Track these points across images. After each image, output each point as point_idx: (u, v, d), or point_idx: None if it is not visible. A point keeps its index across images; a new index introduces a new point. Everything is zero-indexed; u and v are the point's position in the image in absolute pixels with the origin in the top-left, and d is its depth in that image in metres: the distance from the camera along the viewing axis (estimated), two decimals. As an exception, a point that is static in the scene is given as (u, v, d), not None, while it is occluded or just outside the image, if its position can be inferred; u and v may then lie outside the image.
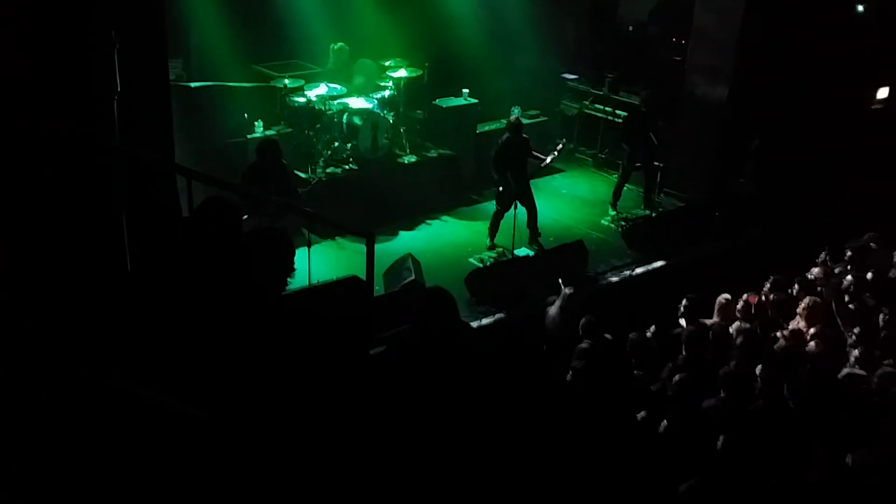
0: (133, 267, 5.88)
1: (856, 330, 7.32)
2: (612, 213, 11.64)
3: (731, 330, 7.67)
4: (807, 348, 7.18)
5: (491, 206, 11.35)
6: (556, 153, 10.64)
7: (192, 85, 10.47)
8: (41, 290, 5.06)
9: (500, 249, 10.40)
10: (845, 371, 6.89)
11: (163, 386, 4.36)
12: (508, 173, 10.23)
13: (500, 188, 10.36)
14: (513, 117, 10.89)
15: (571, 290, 8.74)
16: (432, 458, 5.02)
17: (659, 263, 10.38)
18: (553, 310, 8.80)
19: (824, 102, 11.57)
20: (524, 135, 10.54)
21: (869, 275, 8.42)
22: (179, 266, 4.94)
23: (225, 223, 4.99)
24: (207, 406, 4.42)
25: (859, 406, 6.33)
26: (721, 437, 6.10)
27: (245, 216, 7.72)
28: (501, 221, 10.41)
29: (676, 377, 6.58)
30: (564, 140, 11.16)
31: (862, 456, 5.67)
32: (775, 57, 11.29)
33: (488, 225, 10.56)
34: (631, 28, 14.08)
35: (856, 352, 6.99)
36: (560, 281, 8.99)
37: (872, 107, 12.52)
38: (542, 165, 10.68)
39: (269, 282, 4.98)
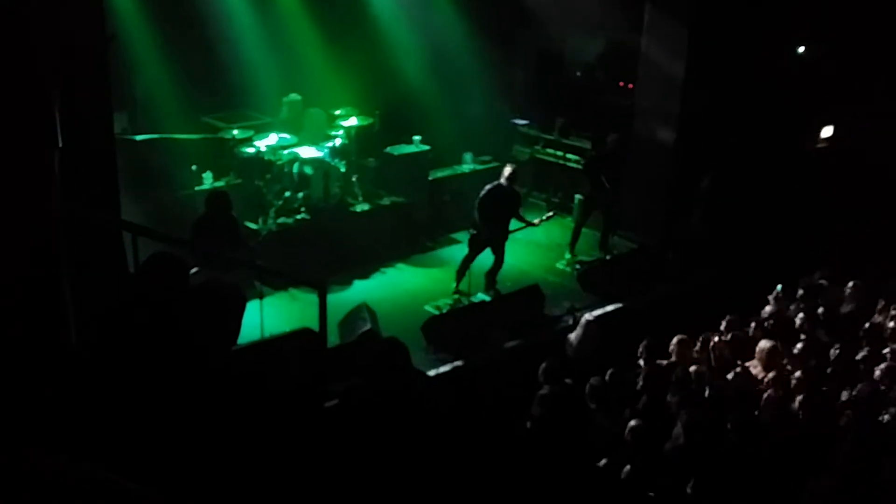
0: (77, 335, 5.68)
1: (797, 374, 7.33)
2: (568, 256, 11.67)
3: (689, 372, 7.67)
4: (765, 394, 7.16)
5: (445, 252, 11.39)
6: (544, 219, 10.63)
7: (138, 138, 10.33)
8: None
9: (457, 296, 10.34)
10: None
11: (112, 462, 4.18)
12: (490, 221, 10.14)
13: (476, 231, 10.24)
14: (507, 168, 10.43)
15: (591, 318, 8.94)
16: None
17: (614, 306, 10.38)
18: (574, 336, 8.96)
19: (770, 142, 11.80)
20: (515, 188, 10.40)
21: (820, 310, 8.52)
22: (125, 326, 4.79)
23: (169, 279, 4.86)
24: (159, 479, 4.25)
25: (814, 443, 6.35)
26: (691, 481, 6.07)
27: (194, 270, 7.59)
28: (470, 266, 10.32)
29: (632, 422, 6.54)
30: (553, 212, 11.08)
31: (819, 486, 5.68)
32: (721, 99, 11.50)
33: (457, 269, 10.40)
34: (579, 73, 14.27)
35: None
36: (570, 307, 9.42)
37: (817, 145, 12.77)
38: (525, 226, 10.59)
39: (216, 338, 4.84)
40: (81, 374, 4.92)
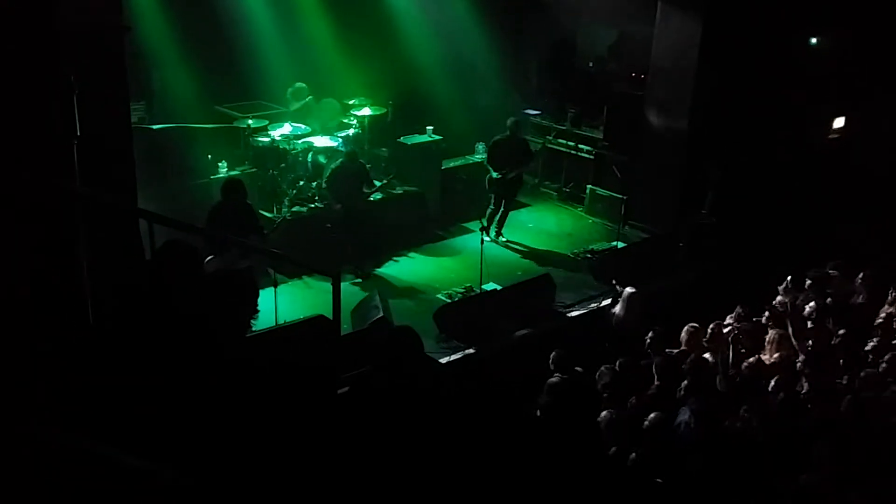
0: (95, 317, 5.78)
1: (802, 357, 7.42)
2: (493, 238, 11.61)
3: (702, 360, 7.72)
4: (772, 378, 7.22)
5: (457, 241, 11.55)
6: (384, 182, 11.08)
7: (155, 127, 10.44)
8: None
9: (469, 284, 10.41)
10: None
11: (127, 442, 4.27)
12: (341, 198, 10.49)
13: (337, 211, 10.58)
14: (350, 149, 10.97)
15: (633, 290, 9.12)
16: (400, 498, 4.97)
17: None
18: (618, 309, 9.22)
19: (782, 133, 11.79)
20: (362, 161, 10.87)
21: (829, 300, 8.54)
22: (140, 313, 4.88)
23: (182, 267, 4.94)
24: (174, 460, 4.34)
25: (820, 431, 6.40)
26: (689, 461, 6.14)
27: (209, 257, 7.69)
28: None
29: (652, 415, 6.58)
30: (392, 174, 11.56)
31: (812, 478, 5.74)
32: (733, 89, 11.50)
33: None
34: (591, 64, 14.29)
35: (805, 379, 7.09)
36: (614, 282, 9.49)
37: (829, 136, 12.75)
38: (369, 193, 10.94)
39: (231, 325, 4.93)
40: (98, 355, 5.01)
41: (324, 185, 10.74)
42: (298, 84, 11.91)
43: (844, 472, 5.79)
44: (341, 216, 10.55)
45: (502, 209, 11.75)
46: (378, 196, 11.59)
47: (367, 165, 11.30)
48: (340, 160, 10.69)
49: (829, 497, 5.64)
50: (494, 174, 11.51)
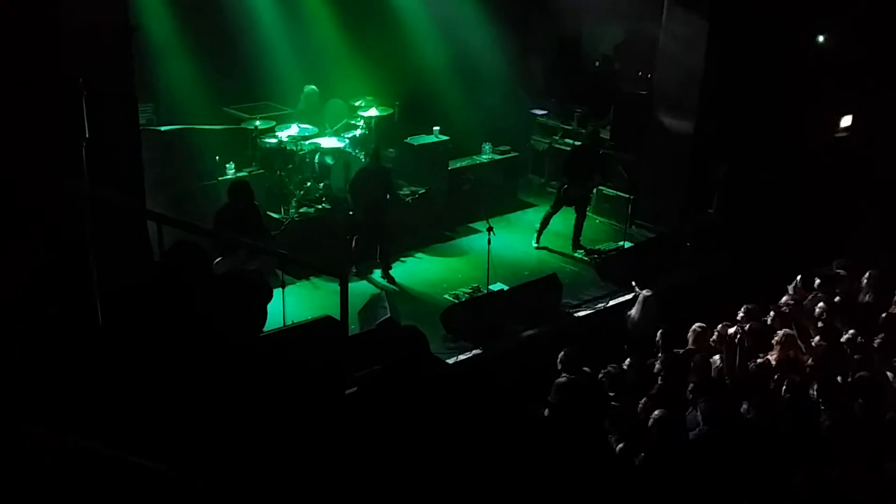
0: (104, 319, 5.80)
1: (809, 361, 7.41)
2: (535, 245, 11.61)
3: (708, 360, 7.71)
4: (781, 379, 7.22)
5: (464, 241, 11.55)
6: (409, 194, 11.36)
7: (163, 129, 10.46)
8: (8, 347, 4.98)
9: (475, 284, 10.41)
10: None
11: (137, 442, 4.29)
12: (363, 205, 10.52)
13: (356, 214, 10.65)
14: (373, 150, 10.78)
15: (650, 293, 9.14)
16: (407, 498, 4.99)
17: (632, 294, 10.41)
18: (634, 312, 9.22)
19: (789, 131, 11.77)
20: (385, 165, 11.03)
21: (837, 299, 8.52)
22: (150, 314, 4.91)
23: (193, 268, 4.97)
24: (184, 460, 4.36)
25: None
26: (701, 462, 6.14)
27: (218, 259, 7.71)
28: None
29: (657, 412, 6.58)
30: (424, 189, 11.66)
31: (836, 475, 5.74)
32: (739, 88, 11.49)
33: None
34: (597, 63, 14.27)
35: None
36: (634, 284, 9.51)
37: (836, 134, 12.72)
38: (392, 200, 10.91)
39: (241, 325, 4.96)
40: (107, 355, 5.04)
41: (347, 191, 10.67)
42: (311, 87, 11.92)
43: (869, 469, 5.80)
44: (361, 221, 10.52)
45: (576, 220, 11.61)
46: (387, 196, 11.60)
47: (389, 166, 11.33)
48: (362, 165, 10.69)
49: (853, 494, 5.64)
50: (568, 186, 11.35)
